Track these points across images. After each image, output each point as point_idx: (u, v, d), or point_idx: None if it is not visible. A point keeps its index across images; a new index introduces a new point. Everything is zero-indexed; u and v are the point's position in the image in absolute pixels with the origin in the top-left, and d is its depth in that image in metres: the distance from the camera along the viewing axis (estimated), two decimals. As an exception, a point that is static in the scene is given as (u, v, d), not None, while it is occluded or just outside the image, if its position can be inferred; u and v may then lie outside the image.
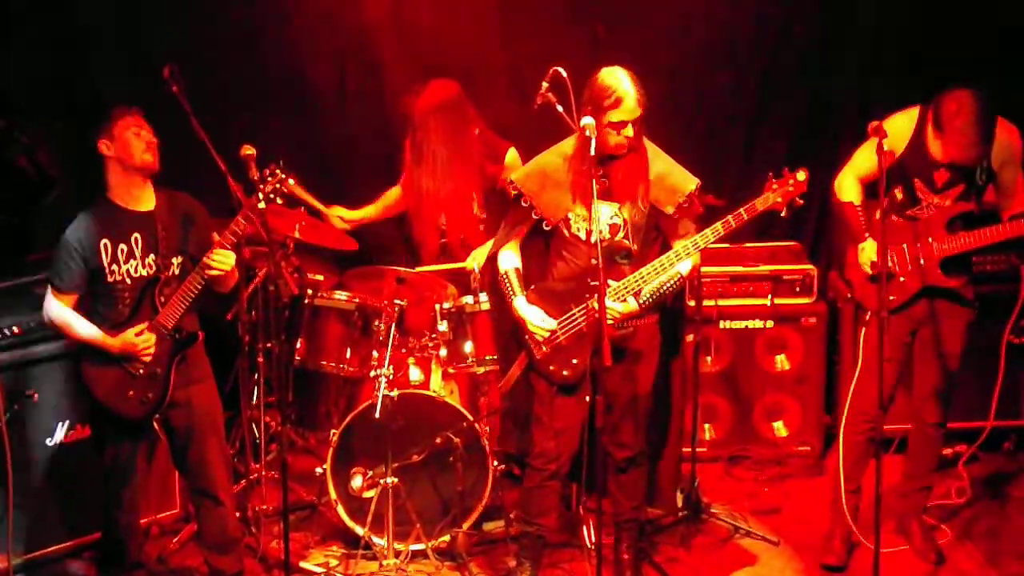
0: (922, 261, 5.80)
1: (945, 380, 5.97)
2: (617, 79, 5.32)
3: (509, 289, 5.57)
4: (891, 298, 5.80)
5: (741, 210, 5.29)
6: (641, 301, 5.42)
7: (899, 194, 5.80)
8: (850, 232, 5.94)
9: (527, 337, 5.54)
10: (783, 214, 5.32)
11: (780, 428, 7.21)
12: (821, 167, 6.36)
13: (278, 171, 5.45)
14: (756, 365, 7.17)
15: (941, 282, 5.81)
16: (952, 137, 5.54)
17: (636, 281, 5.39)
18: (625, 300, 5.40)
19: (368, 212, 6.99)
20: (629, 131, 5.30)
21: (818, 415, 7.08)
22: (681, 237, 5.45)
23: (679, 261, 5.40)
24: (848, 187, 5.92)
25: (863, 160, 5.88)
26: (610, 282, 5.34)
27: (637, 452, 5.75)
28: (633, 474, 5.80)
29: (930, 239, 5.79)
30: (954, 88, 5.55)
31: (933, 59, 7.16)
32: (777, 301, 7.13)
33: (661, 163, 5.48)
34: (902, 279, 5.80)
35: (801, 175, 5.26)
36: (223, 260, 5.42)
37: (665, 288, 5.45)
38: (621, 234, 5.42)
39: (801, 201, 5.31)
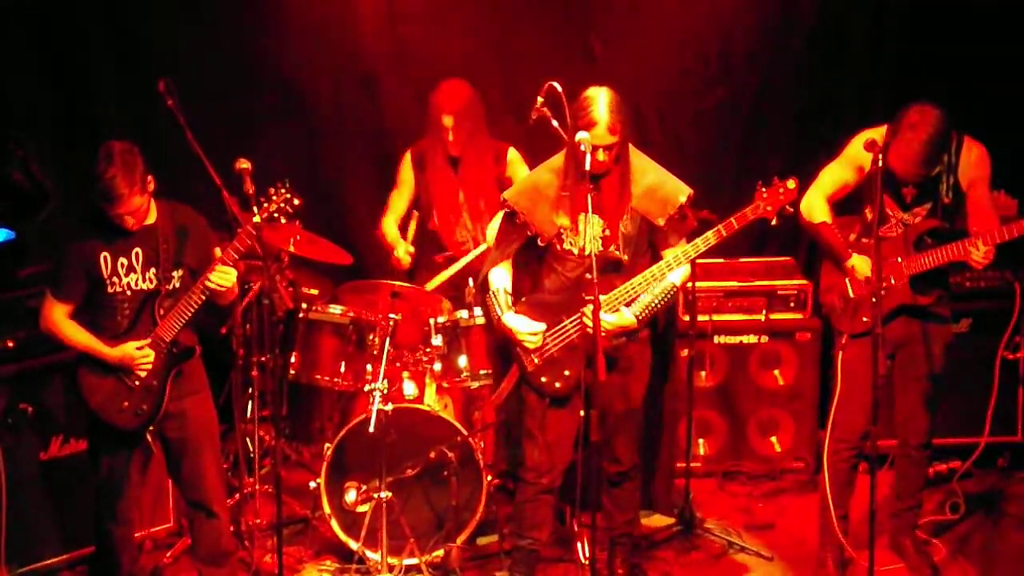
0: (892, 280, 5.77)
1: (926, 403, 5.92)
2: (596, 102, 5.28)
3: (497, 307, 5.56)
4: (864, 320, 5.80)
5: (732, 219, 5.30)
6: (636, 313, 5.42)
7: (869, 214, 5.72)
8: (831, 252, 5.91)
9: (518, 350, 5.54)
10: (773, 222, 5.32)
11: (774, 443, 7.21)
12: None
13: (283, 190, 5.46)
14: (750, 380, 7.16)
15: (912, 300, 5.79)
16: (900, 146, 5.51)
17: (628, 292, 5.39)
18: (618, 310, 5.40)
19: (393, 228, 6.92)
20: (601, 155, 5.27)
21: (812, 431, 7.07)
22: (671, 247, 5.46)
23: (670, 271, 5.40)
24: (818, 208, 5.87)
25: (831, 179, 5.88)
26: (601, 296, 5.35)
27: (630, 467, 5.75)
28: (626, 488, 5.79)
29: (898, 258, 5.77)
30: (925, 102, 5.54)
31: (930, 74, 7.17)
32: (772, 316, 7.13)
33: (652, 175, 5.47)
34: (874, 300, 5.75)
35: (791, 183, 5.27)
36: (225, 277, 5.43)
37: (658, 300, 5.45)
38: (613, 247, 5.42)
39: (791, 209, 5.32)
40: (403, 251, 6.74)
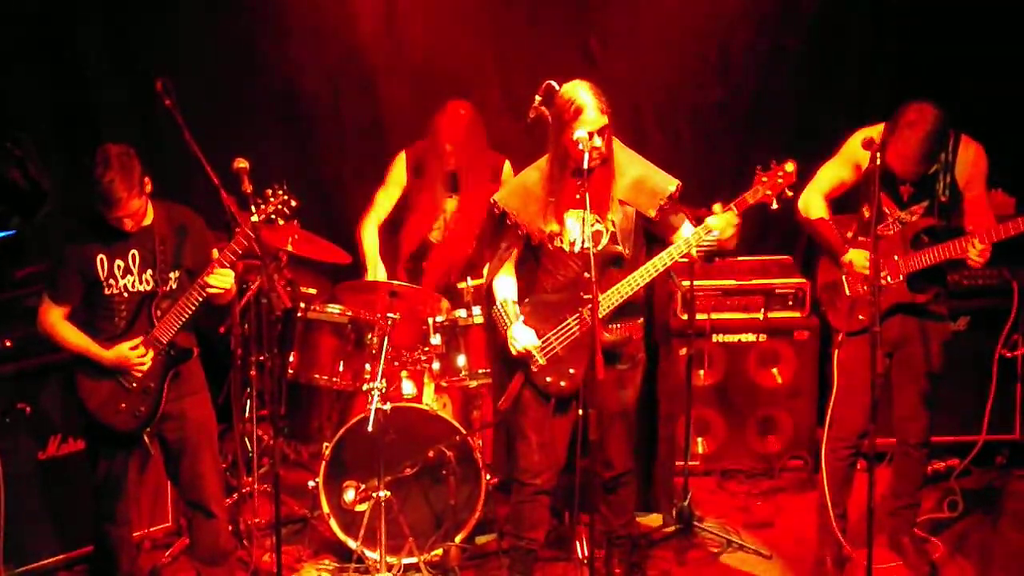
0: (889, 279, 5.78)
1: (924, 401, 5.91)
2: (576, 91, 5.30)
3: (505, 319, 5.54)
4: (860, 318, 5.80)
5: (732, 204, 5.28)
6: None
7: (866, 212, 5.70)
8: (828, 248, 5.91)
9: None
10: (774, 206, 5.30)
11: (773, 442, 7.21)
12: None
13: (281, 192, 5.46)
14: (749, 379, 7.17)
15: (908, 298, 5.79)
16: (898, 144, 5.52)
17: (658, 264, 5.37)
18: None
19: (372, 236, 6.93)
20: (596, 141, 5.27)
21: (811, 429, 7.08)
22: (678, 230, 5.45)
23: (688, 249, 5.38)
24: (816, 205, 5.88)
25: (828, 176, 5.88)
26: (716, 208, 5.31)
27: (623, 471, 5.72)
28: (621, 493, 5.76)
29: (895, 256, 5.77)
30: (923, 100, 5.55)
31: (927, 73, 7.18)
32: (770, 315, 7.13)
33: (638, 168, 5.47)
34: (872, 298, 5.59)
35: (789, 166, 5.24)
36: (222, 279, 5.43)
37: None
38: (606, 239, 5.41)
39: (791, 193, 5.30)
40: (376, 275, 6.73)
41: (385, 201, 6.89)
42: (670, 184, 5.43)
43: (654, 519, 6.57)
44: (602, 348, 5.15)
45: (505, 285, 5.60)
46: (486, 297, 5.70)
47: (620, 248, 5.41)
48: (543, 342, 5.48)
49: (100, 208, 5.30)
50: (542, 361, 5.49)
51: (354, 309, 6.47)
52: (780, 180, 5.25)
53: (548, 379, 5.52)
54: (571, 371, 5.47)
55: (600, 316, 5.28)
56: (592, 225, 5.38)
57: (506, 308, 5.55)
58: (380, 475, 6.03)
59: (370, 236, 6.86)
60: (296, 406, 6.77)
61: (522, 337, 5.47)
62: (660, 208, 5.41)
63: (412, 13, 7.55)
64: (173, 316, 5.47)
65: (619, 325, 5.46)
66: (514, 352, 5.48)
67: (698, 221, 5.55)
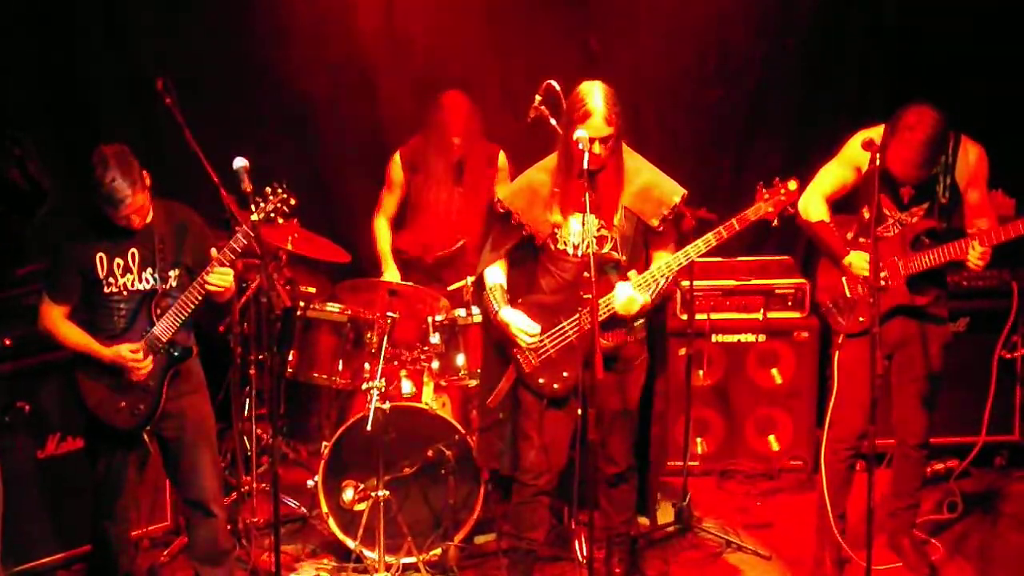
0: (888, 281, 5.77)
1: (924, 403, 5.91)
2: (591, 94, 5.27)
3: (494, 303, 5.54)
4: (860, 320, 5.79)
5: (732, 220, 5.27)
6: (651, 297, 5.40)
7: (867, 213, 5.68)
8: (828, 251, 5.89)
9: (515, 351, 5.52)
10: (774, 223, 5.30)
11: (772, 442, 7.21)
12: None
13: (280, 190, 5.45)
14: (748, 379, 7.16)
15: (908, 301, 5.78)
16: (898, 147, 5.51)
17: (655, 276, 5.37)
18: (647, 291, 5.36)
19: (386, 235, 7.11)
20: (596, 147, 5.24)
21: (810, 430, 7.07)
22: (662, 250, 5.45)
23: (677, 266, 5.38)
24: (816, 207, 5.85)
25: (829, 178, 5.87)
26: (631, 275, 5.33)
27: (626, 467, 5.72)
28: (622, 489, 5.77)
29: (895, 258, 5.77)
30: (922, 103, 5.54)
31: (927, 73, 7.18)
32: (769, 315, 7.12)
33: (646, 175, 5.45)
34: (872, 300, 5.55)
35: (792, 184, 5.24)
36: (222, 277, 5.42)
37: (662, 290, 5.46)
38: (609, 245, 5.40)
39: (792, 210, 5.30)
40: (389, 275, 6.89)
41: (389, 202, 7.06)
42: (675, 194, 5.41)
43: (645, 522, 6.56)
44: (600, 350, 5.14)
45: (495, 272, 5.61)
46: (476, 286, 5.70)
47: (618, 255, 5.40)
48: (537, 342, 5.48)
49: (107, 210, 5.28)
50: (534, 361, 5.48)
51: (353, 308, 6.48)
52: (782, 197, 5.25)
53: (541, 380, 5.51)
54: (564, 374, 5.46)
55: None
56: (598, 230, 5.38)
57: (494, 293, 5.55)
58: (379, 474, 6.03)
59: (383, 234, 7.07)
60: (295, 405, 6.77)
61: (515, 320, 5.46)
62: (663, 218, 5.40)
63: (412, 13, 7.56)
64: (173, 315, 5.46)
65: (615, 331, 5.45)
66: (520, 338, 5.45)
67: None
